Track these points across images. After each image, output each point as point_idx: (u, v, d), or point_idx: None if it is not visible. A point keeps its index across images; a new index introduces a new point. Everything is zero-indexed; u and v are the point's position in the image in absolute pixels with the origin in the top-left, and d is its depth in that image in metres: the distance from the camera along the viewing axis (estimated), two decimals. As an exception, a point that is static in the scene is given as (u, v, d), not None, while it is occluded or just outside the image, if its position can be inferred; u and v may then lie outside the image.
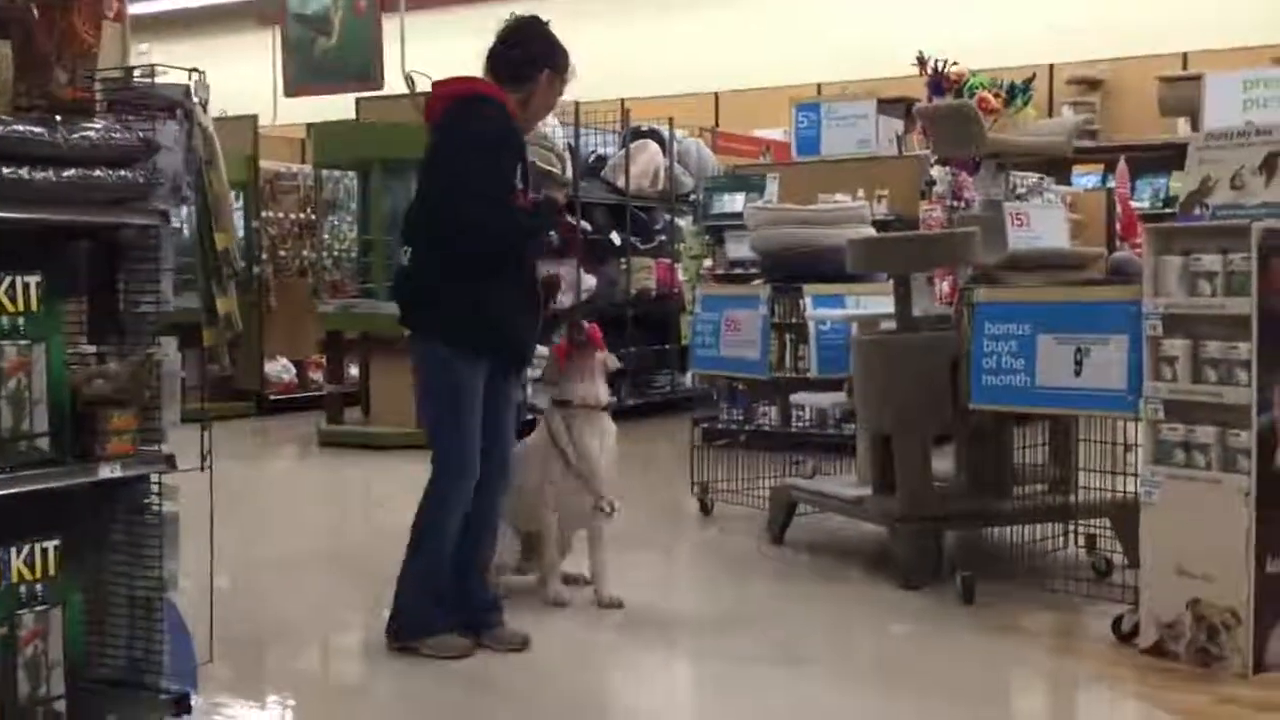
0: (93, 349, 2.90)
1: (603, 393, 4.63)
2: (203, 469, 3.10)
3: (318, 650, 4.55)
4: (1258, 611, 3.69)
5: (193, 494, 3.27)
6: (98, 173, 2.73)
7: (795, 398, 5.84)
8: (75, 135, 2.68)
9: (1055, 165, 12.17)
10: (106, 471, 2.81)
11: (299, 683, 4.09)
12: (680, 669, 4.24)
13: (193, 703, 3.08)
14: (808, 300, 5.60)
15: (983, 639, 4.23)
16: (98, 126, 2.76)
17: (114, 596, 3.01)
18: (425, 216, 3.99)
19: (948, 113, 5.19)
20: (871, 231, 5.95)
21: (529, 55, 4.02)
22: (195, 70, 3.02)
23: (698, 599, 4.89)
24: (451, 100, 4.05)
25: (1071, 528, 5.08)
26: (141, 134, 2.80)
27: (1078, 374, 4.20)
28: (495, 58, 4.05)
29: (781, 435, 7.54)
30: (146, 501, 2.97)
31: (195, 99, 2.98)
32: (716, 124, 14.33)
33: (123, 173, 2.77)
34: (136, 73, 2.95)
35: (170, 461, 2.94)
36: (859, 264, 5.00)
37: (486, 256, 3.92)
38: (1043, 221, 4.98)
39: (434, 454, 4.05)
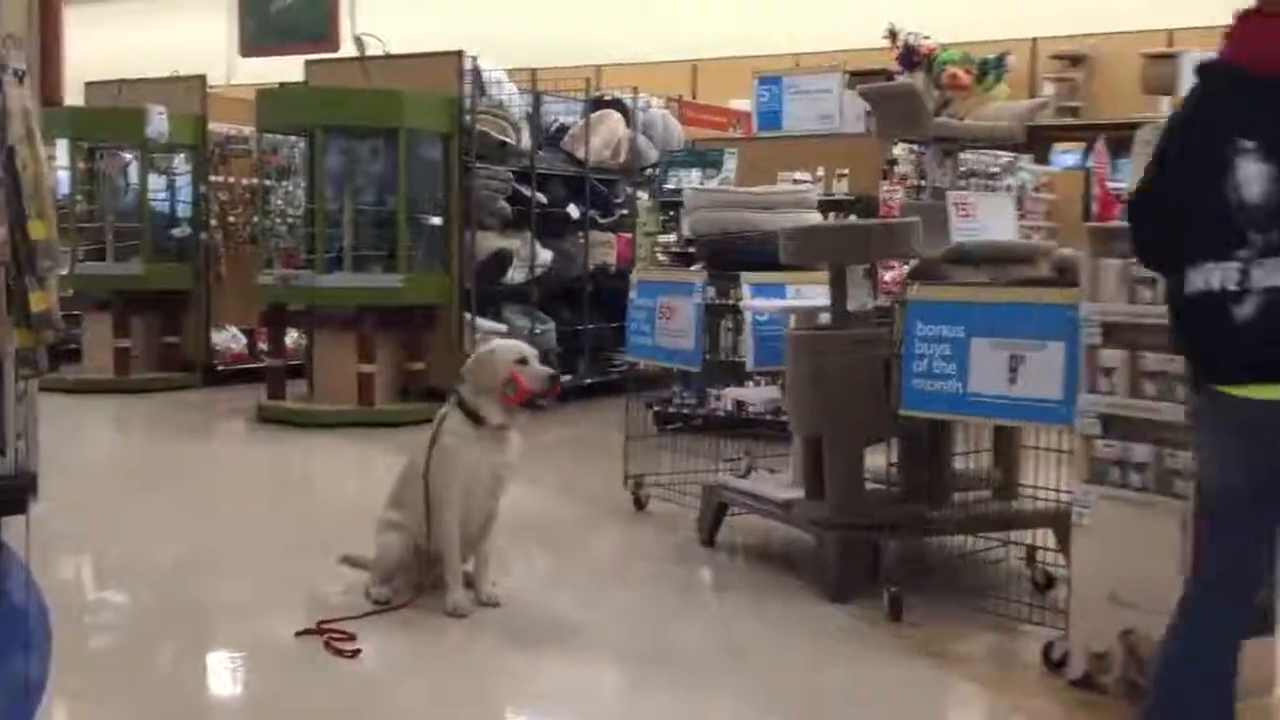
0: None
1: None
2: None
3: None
4: (1192, 646, 3.41)
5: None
6: None
7: (728, 392, 5.53)
8: None
9: (1035, 142, 11.90)
10: None
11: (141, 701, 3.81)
12: (570, 680, 3.95)
13: None
14: (745, 288, 5.28)
15: (904, 662, 3.95)
16: None
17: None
18: None
19: (892, 93, 4.87)
20: (816, 217, 5.63)
21: None
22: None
23: (602, 607, 4.58)
24: None
25: (1012, 538, 4.81)
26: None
27: (1012, 381, 3.90)
28: None
29: (735, 420, 7.25)
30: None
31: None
32: (694, 94, 13.98)
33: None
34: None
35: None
36: (792, 254, 4.68)
37: None
38: (989, 212, 4.66)
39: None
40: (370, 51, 9.10)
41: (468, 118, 8.77)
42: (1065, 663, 3.70)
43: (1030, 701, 3.60)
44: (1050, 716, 3.49)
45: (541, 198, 9.42)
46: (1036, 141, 11.96)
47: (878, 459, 4.79)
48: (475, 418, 4.31)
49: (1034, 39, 12.96)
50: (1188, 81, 8.44)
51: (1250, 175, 2.62)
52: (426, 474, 4.32)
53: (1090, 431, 3.60)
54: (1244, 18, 2.82)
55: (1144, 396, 3.49)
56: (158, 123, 9.84)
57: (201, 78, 10.50)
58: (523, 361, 4.32)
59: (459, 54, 8.85)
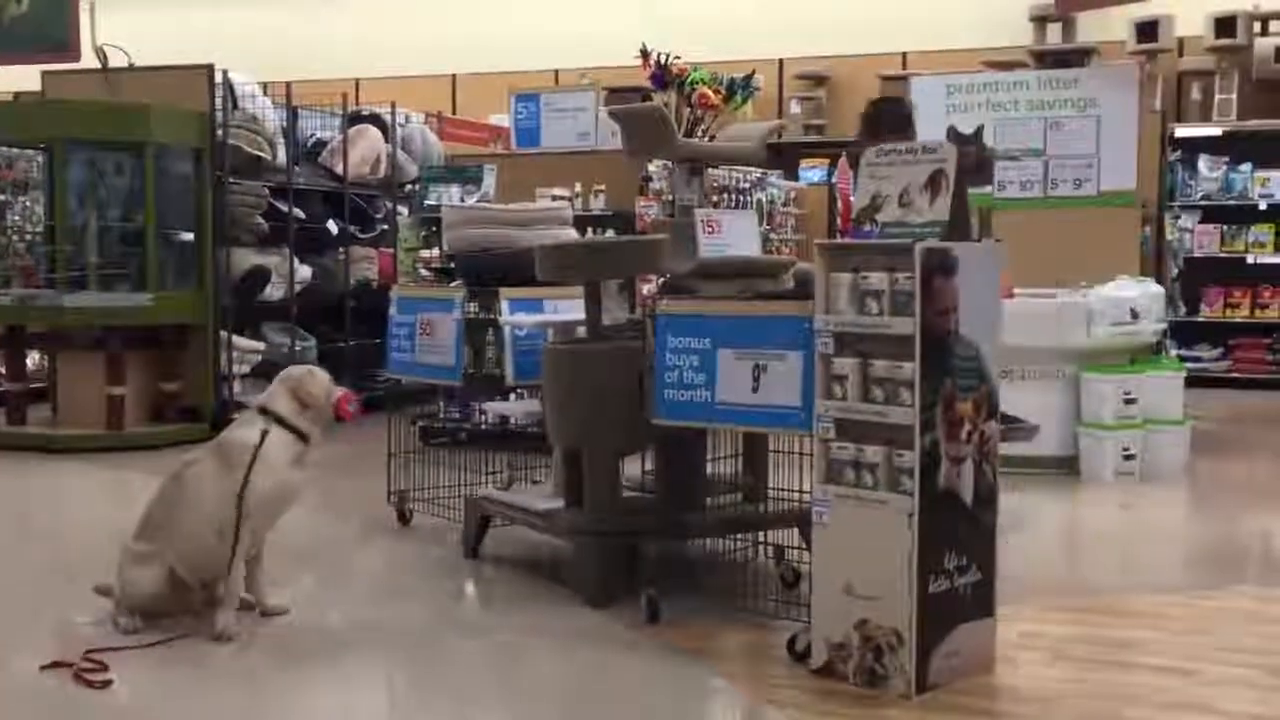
0: None
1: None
2: None
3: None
4: (920, 632, 3.68)
5: None
6: None
7: (488, 406, 5.61)
8: None
9: (782, 159, 12.41)
10: None
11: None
12: (334, 703, 3.96)
13: None
14: (504, 304, 5.37)
15: (661, 661, 4.11)
16: None
17: None
18: None
19: (638, 115, 5.05)
20: (572, 234, 5.76)
21: None
22: None
23: (369, 624, 4.59)
24: None
25: (762, 538, 5.05)
26: None
27: (755, 390, 4.12)
28: None
29: (500, 434, 7.32)
30: None
31: None
32: (454, 109, 13.99)
33: None
34: None
35: None
36: (547, 271, 4.80)
37: None
38: (735, 229, 4.88)
39: None
40: (114, 64, 8.78)
41: (220, 132, 8.57)
42: (809, 654, 3.93)
43: (778, 692, 3.80)
44: (796, 704, 3.70)
45: (299, 213, 9.28)
46: (785, 158, 12.50)
47: (634, 467, 4.97)
48: (302, 436, 4.37)
49: (780, 60, 13.53)
50: (917, 102, 8.91)
51: None
52: (242, 493, 4.24)
53: (826, 435, 3.84)
54: None
55: (874, 401, 3.75)
56: (-123, 134, 9.23)
57: (-73, 87, 9.91)
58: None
59: (209, 67, 8.65)
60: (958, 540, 3.78)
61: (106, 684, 3.78)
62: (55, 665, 3.90)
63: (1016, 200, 7.88)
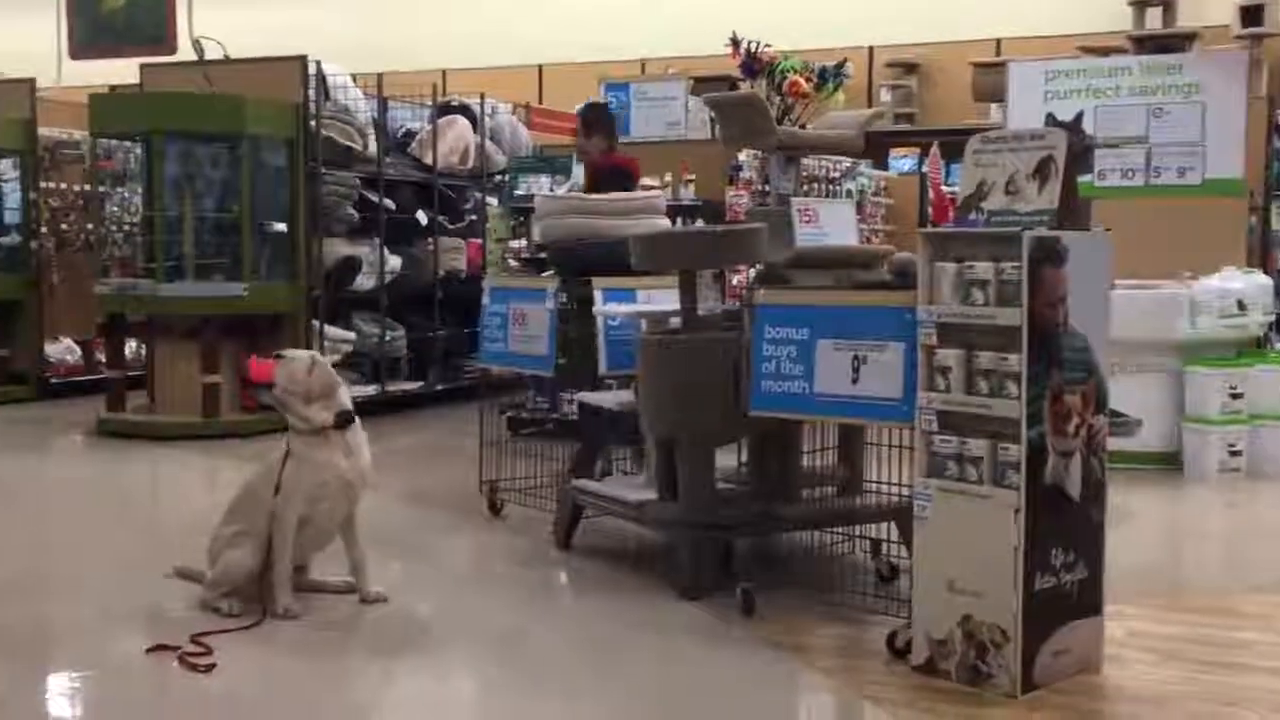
0: None
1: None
2: None
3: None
4: (1026, 629, 3.59)
5: None
6: None
7: (580, 396, 5.59)
8: None
9: (873, 148, 12.25)
10: None
11: None
12: (427, 690, 3.96)
13: None
14: (597, 294, 5.35)
15: (756, 655, 4.06)
16: None
17: None
18: None
19: (735, 103, 4.99)
20: (665, 223, 5.73)
21: None
22: None
23: (461, 611, 4.61)
24: None
25: (858, 532, 4.97)
26: None
27: (855, 381, 4.04)
28: None
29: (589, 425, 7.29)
30: None
31: None
32: (540, 99, 14.02)
33: None
34: None
35: None
36: (642, 260, 4.77)
37: None
38: (832, 218, 4.81)
39: None
40: (210, 55, 8.91)
41: (312, 123, 8.66)
42: (909, 650, 3.86)
43: (876, 688, 3.73)
44: (895, 701, 3.63)
45: (390, 204, 9.34)
46: (874, 147, 12.34)
47: (729, 459, 4.92)
48: (313, 425, 4.39)
49: (870, 47, 13.36)
50: (1012, 91, 8.79)
51: None
52: (278, 482, 4.33)
53: (929, 428, 3.76)
54: None
55: (978, 394, 3.66)
56: (-18, 127, 9.48)
57: (30, 80, 10.12)
58: None
59: (302, 59, 8.74)
60: (1065, 536, 3.68)
61: (210, 668, 3.82)
62: (160, 648, 3.94)
63: (1118, 189, 7.68)
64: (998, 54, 12.49)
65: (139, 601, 4.52)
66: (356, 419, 4.45)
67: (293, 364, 4.42)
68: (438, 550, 5.66)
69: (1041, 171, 3.64)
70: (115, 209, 9.83)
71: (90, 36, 10.56)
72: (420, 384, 9.68)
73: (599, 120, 6.81)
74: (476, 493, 6.09)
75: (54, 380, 10.08)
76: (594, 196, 5.90)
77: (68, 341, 10.32)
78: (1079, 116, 5.34)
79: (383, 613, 4.45)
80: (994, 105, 11.51)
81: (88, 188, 10.10)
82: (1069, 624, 3.71)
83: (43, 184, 10.11)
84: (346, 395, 4.47)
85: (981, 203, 3.77)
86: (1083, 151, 4.75)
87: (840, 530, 4.98)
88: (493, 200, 9.88)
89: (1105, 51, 10.54)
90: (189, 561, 4.55)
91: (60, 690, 3.94)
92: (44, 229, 10.11)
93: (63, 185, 10.34)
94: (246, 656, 4.00)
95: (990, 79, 11.56)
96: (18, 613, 4.53)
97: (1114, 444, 6.22)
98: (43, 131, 10.13)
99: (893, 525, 4.70)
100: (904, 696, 3.66)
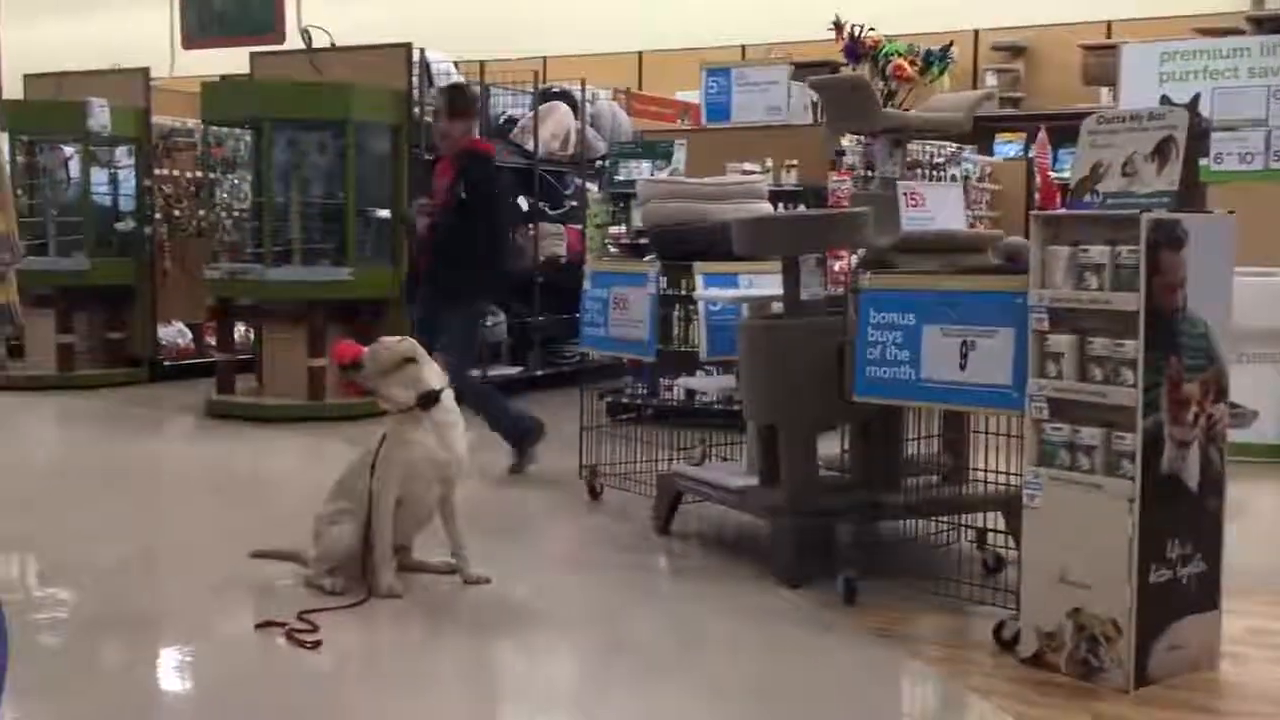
0: None
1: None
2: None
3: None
4: (1140, 623, 3.50)
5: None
6: None
7: (682, 381, 5.57)
8: None
9: (977, 133, 12.04)
10: None
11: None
12: (527, 670, 3.98)
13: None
14: (699, 279, 5.33)
15: (859, 645, 4.02)
16: None
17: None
18: None
19: (840, 85, 4.92)
20: (767, 207, 5.68)
21: None
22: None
23: (561, 594, 4.63)
24: None
25: (962, 521, 4.89)
26: None
27: (963, 367, 3.97)
28: None
29: (687, 411, 7.29)
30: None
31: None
32: (640, 84, 14.00)
33: None
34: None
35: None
36: (745, 245, 4.73)
37: None
38: (938, 202, 4.72)
39: None
40: (316, 44, 9.04)
41: (417, 110, 8.74)
42: (1017, 642, 3.78)
43: (982, 680, 3.67)
44: (1003, 695, 3.56)
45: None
46: (979, 132, 12.11)
47: (831, 446, 4.86)
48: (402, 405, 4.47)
49: (976, 30, 13.11)
50: (1125, 74, 8.55)
51: None
52: (374, 463, 4.41)
53: (1040, 415, 3.68)
54: None
55: (1091, 381, 3.57)
56: (99, 115, 9.72)
57: (144, 70, 10.37)
58: None
59: (407, 46, 8.82)
60: (1181, 528, 3.58)
61: (317, 644, 3.89)
62: (268, 624, 4.02)
63: (1236, 173, 7.44)
64: (1108, 36, 12.17)
65: (248, 579, 4.61)
66: (445, 398, 4.48)
67: (376, 347, 4.48)
68: (537, 533, 5.69)
69: (1161, 152, 3.54)
70: (225, 195, 10.03)
71: (201, 27, 10.77)
72: (520, 369, 9.74)
73: (463, 103, 6.67)
74: (576, 477, 6.11)
75: (166, 363, 10.34)
76: (694, 180, 5.86)
77: (179, 325, 10.57)
78: (1195, 98, 5.15)
79: (483, 594, 4.49)
80: (1104, 89, 11.23)
81: (199, 175, 10.33)
82: (1184, 618, 3.61)
83: (156, 171, 10.36)
84: (434, 376, 4.50)
85: (1097, 185, 3.67)
86: (1201, 134, 4.61)
87: (944, 519, 4.90)
88: (593, 186, 9.88)
89: (1222, 33, 10.21)
90: (295, 542, 4.63)
91: (173, 664, 4.03)
92: (157, 215, 10.36)
93: (175, 172, 10.58)
94: (351, 634, 4.06)
95: (1101, 62, 11.27)
96: (133, 588, 4.65)
97: (1229, 435, 6.09)
98: (156, 120, 10.38)
99: (998, 515, 4.61)
100: (1012, 689, 3.59)
